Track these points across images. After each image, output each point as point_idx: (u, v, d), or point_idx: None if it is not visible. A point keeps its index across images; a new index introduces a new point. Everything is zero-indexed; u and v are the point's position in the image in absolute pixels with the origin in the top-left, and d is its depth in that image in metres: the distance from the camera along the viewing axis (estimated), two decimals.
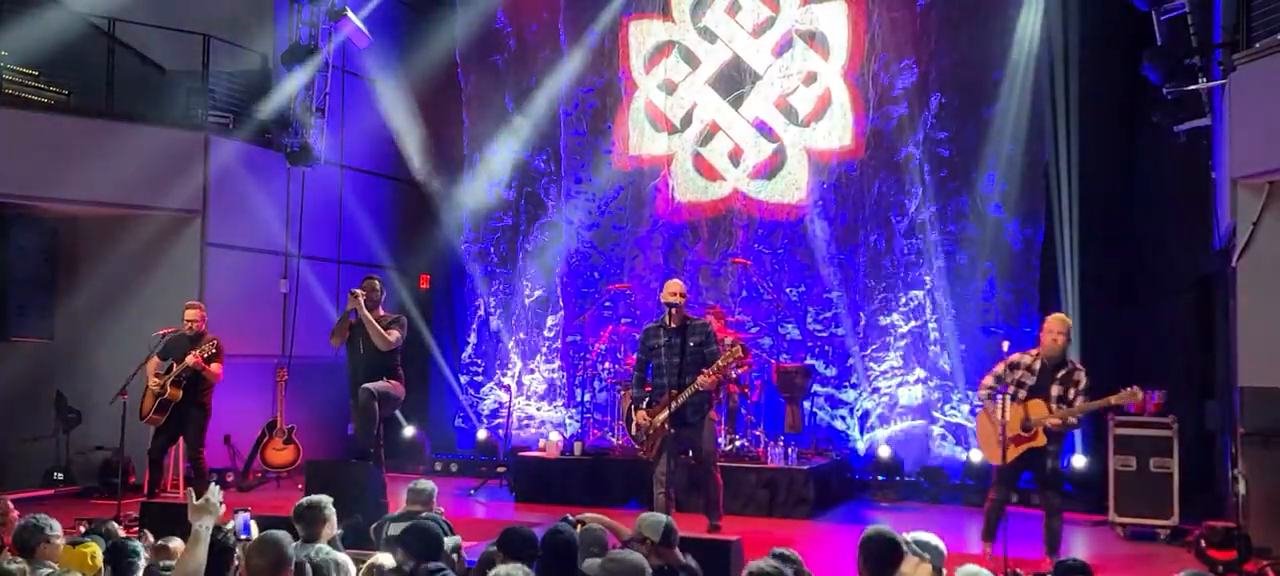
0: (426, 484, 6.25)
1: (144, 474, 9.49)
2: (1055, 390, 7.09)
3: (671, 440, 7.95)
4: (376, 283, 9.07)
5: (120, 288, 11.15)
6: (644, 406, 8.13)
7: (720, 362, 7.89)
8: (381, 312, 8.99)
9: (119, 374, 9.06)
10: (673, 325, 8.00)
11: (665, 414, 7.89)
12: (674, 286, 8.14)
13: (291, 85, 11.90)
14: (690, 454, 8.22)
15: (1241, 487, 7.69)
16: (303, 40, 11.82)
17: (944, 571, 4.53)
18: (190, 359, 8.91)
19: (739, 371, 9.80)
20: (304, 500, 5.45)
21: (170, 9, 11.43)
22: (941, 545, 4.54)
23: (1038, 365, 7.18)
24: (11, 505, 5.82)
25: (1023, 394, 7.14)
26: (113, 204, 10.95)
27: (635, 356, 8.47)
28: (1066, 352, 7.26)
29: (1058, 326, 7.17)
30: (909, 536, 4.51)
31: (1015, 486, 7.37)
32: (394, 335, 8.78)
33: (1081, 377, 7.09)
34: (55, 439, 11.10)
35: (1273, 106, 7.62)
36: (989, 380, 7.38)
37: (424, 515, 5.79)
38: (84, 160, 10.53)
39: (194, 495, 4.58)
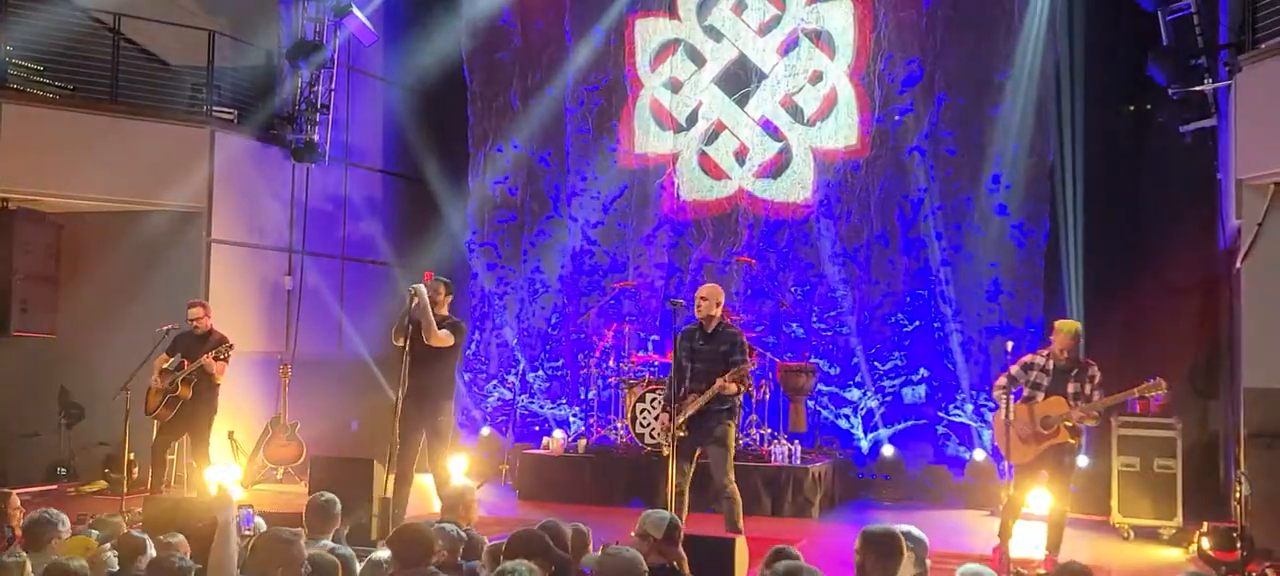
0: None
1: (146, 469, 9.50)
2: (1072, 387, 7.14)
3: (685, 443, 7.43)
4: (441, 284, 8.23)
5: (124, 284, 11.13)
6: (668, 408, 7.56)
7: (740, 370, 7.36)
8: (444, 314, 8.22)
9: (122, 370, 9.00)
10: (707, 329, 7.60)
11: (683, 417, 7.39)
12: (702, 292, 7.69)
13: (296, 81, 11.92)
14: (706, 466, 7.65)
15: (1245, 489, 7.68)
16: (308, 36, 11.84)
17: (927, 563, 4.57)
18: (204, 359, 8.87)
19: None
20: (316, 496, 5.46)
21: (175, 4, 11.44)
22: (924, 537, 4.60)
23: (1051, 365, 7.23)
24: (18, 501, 5.83)
25: (1040, 394, 7.18)
26: (117, 199, 10.95)
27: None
28: (1079, 352, 7.31)
29: (1072, 340, 7.17)
30: (896, 528, 4.55)
31: (1032, 486, 7.38)
32: (445, 334, 8.00)
33: (1097, 373, 7.16)
34: (58, 434, 11.10)
35: (1279, 108, 7.61)
36: (1003, 380, 7.39)
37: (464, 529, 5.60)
38: (88, 156, 10.52)
39: (212, 487, 4.59)
